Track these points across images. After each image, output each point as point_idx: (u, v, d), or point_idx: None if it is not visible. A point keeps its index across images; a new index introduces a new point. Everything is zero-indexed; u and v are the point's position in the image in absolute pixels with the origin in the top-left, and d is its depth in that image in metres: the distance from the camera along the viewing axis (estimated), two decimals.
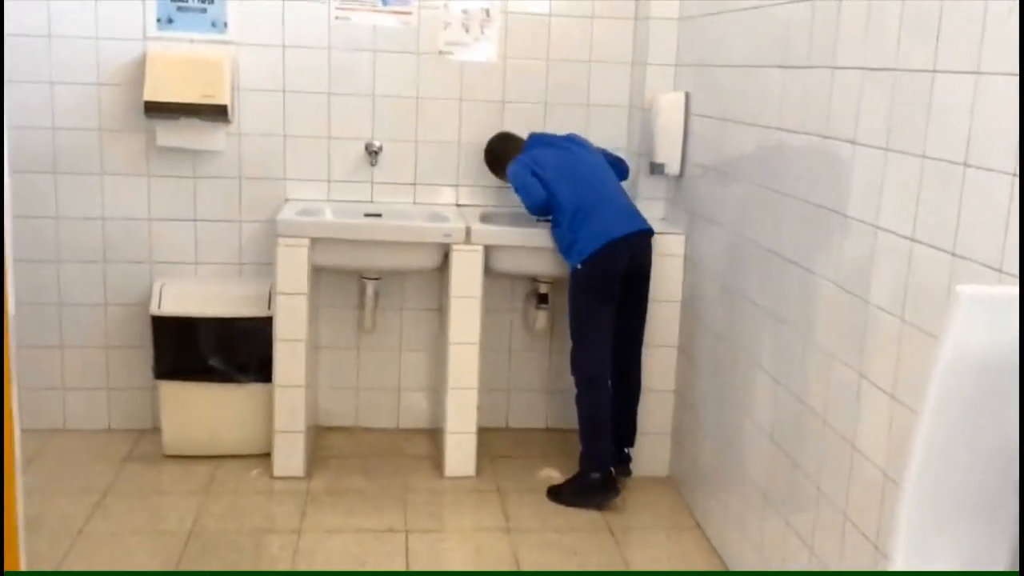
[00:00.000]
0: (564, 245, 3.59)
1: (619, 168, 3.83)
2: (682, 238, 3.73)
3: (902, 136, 2.21)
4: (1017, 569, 1.44)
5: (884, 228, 2.28)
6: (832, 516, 2.49)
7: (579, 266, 3.51)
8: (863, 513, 2.35)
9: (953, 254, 1.99)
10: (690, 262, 3.70)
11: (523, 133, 4.00)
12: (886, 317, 2.25)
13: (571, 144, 3.79)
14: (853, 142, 2.43)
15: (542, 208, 3.64)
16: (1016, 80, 1.80)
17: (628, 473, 3.77)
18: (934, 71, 2.08)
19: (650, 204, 3.94)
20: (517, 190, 3.69)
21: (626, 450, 3.76)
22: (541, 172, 3.62)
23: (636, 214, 3.63)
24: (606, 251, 3.48)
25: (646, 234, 3.60)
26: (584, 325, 3.56)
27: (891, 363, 2.23)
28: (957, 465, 1.46)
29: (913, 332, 2.14)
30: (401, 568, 3.14)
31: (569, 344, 3.63)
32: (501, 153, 3.88)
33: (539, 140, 3.81)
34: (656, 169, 3.81)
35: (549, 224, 3.71)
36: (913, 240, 2.15)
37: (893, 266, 2.23)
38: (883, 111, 2.29)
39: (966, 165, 1.96)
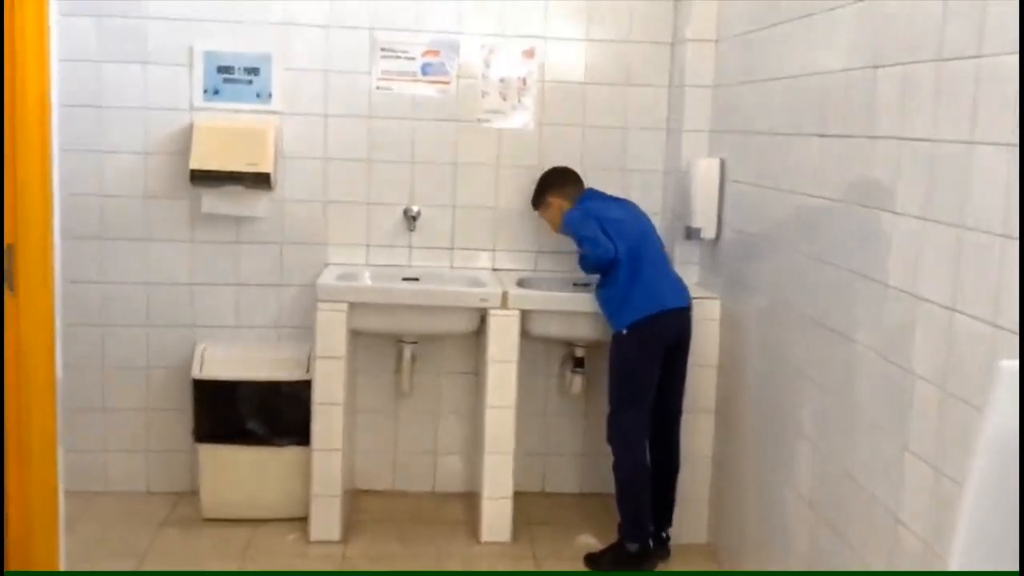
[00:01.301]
0: (614, 304, 3.54)
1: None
2: (718, 303, 3.73)
3: (941, 206, 2.21)
4: (1017, 569, 1.41)
5: (924, 297, 2.27)
6: None
7: (624, 331, 3.50)
8: None
9: (995, 325, 1.98)
10: (726, 327, 3.69)
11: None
12: (928, 387, 2.23)
13: (624, 202, 3.79)
14: (892, 211, 2.43)
15: (607, 264, 3.55)
16: None
17: (667, 555, 3.69)
18: (971, 142, 2.09)
19: (686, 268, 3.95)
20: (582, 240, 3.60)
21: (663, 533, 3.68)
22: (605, 227, 3.56)
23: (685, 289, 3.62)
24: (657, 320, 3.48)
25: (689, 311, 3.60)
26: (626, 391, 3.53)
27: (933, 434, 2.20)
28: (1002, 540, 1.44)
29: (955, 403, 2.12)
30: None
31: (605, 408, 3.62)
32: (560, 181, 3.83)
33: (597, 194, 3.79)
34: (692, 234, 3.83)
35: (590, 283, 3.71)
36: (953, 310, 2.14)
37: (934, 336, 2.22)
38: (921, 180, 2.29)
39: (1005, 236, 1.95)
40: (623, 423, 3.54)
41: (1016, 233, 1.92)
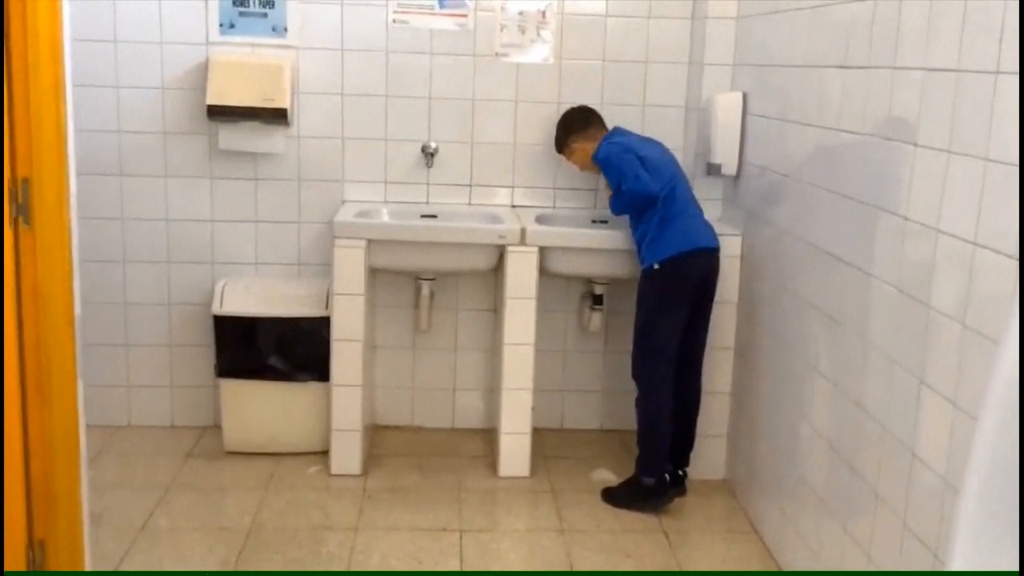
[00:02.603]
0: (645, 240, 3.49)
1: None
2: (739, 239, 3.70)
3: (964, 137, 2.17)
4: (1017, 569, 1.41)
5: (946, 231, 2.24)
6: (890, 522, 2.45)
7: (656, 266, 3.46)
8: (922, 520, 2.31)
9: (1016, 258, 1.95)
10: (747, 263, 3.67)
11: None
12: (947, 322, 2.21)
13: (654, 142, 3.72)
14: (914, 143, 2.39)
15: (647, 201, 3.45)
16: None
17: (683, 493, 3.69)
18: (997, 72, 2.04)
19: (707, 205, 3.90)
20: (623, 176, 3.48)
21: (681, 471, 3.69)
22: (645, 164, 3.47)
23: (713, 230, 3.59)
24: (688, 258, 3.45)
25: (718, 252, 3.57)
26: (653, 328, 3.51)
27: (952, 369, 2.19)
28: (1017, 473, 1.43)
29: (975, 337, 2.10)
30: (456, 567, 3.16)
31: (625, 346, 3.62)
32: (583, 123, 3.76)
33: (626, 132, 3.74)
34: (713, 170, 3.79)
35: (608, 220, 3.68)
36: (976, 244, 2.11)
37: (955, 270, 2.19)
38: (945, 112, 2.25)
39: None
40: (650, 361, 3.52)
41: None
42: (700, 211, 3.62)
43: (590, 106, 3.89)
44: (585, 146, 3.74)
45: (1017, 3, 1.97)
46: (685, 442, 3.69)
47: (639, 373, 3.56)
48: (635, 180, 3.46)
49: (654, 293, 3.51)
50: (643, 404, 3.56)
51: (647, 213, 3.49)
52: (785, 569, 3.18)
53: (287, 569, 3.12)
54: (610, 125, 3.96)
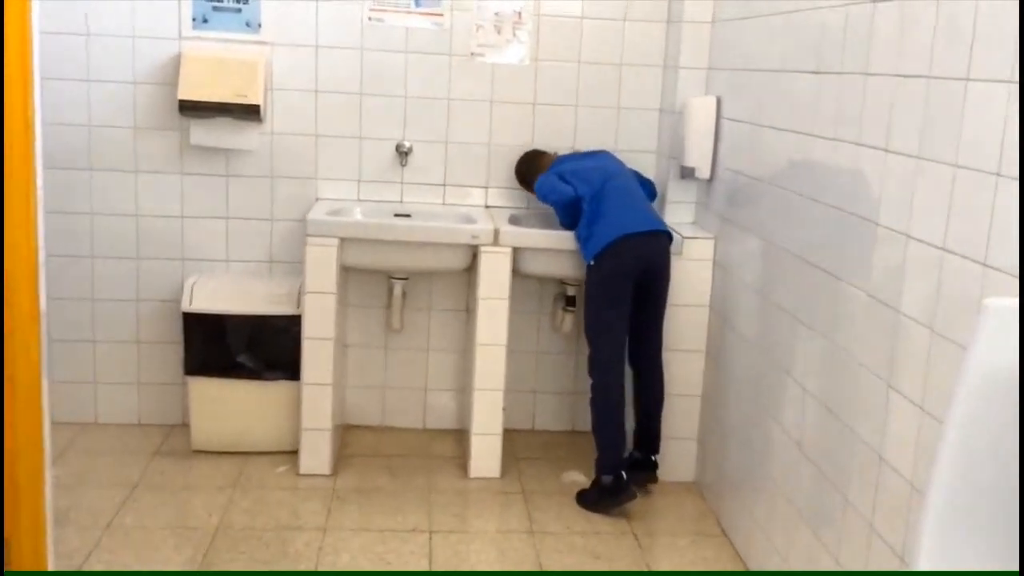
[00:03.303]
0: (581, 241, 3.61)
1: (647, 189, 3.82)
2: (711, 243, 3.71)
3: (935, 144, 2.19)
4: (1017, 569, 1.42)
5: (915, 237, 2.26)
6: (858, 526, 2.47)
7: (592, 262, 3.53)
8: (889, 524, 2.32)
9: (985, 264, 1.97)
10: (719, 267, 3.68)
11: (553, 135, 4.06)
12: (916, 327, 2.23)
13: (598, 153, 3.87)
14: (885, 149, 2.40)
15: (570, 205, 3.63)
16: None
17: (654, 480, 3.75)
18: (967, 79, 2.06)
19: (679, 208, 3.93)
20: (546, 197, 3.72)
21: (652, 457, 3.73)
22: (565, 176, 3.67)
23: (653, 216, 3.65)
24: (617, 247, 3.49)
25: (662, 236, 3.59)
26: (596, 324, 3.57)
27: (920, 374, 2.21)
28: (982, 477, 1.44)
29: (943, 343, 2.12)
30: (425, 568, 3.15)
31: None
32: (533, 168, 3.93)
33: (566, 157, 3.89)
34: (686, 173, 3.80)
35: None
36: (944, 250, 2.13)
37: (924, 276, 2.21)
38: (916, 118, 2.26)
39: (999, 175, 1.93)
40: (599, 356, 3.57)
41: (1011, 172, 1.90)
42: (638, 204, 3.65)
43: (533, 149, 4.02)
44: None
45: (990, 11, 1.99)
46: (652, 433, 3.72)
47: (591, 369, 3.59)
48: (552, 192, 3.68)
49: (595, 288, 3.56)
50: (595, 400, 3.58)
51: (580, 217, 3.61)
52: (753, 570, 3.20)
53: (254, 570, 3.09)
54: (585, 128, 4.00)
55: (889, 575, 2.30)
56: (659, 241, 3.60)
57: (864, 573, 2.43)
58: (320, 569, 3.11)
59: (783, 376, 3.01)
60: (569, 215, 3.67)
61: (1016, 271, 1.87)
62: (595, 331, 3.58)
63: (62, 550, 2.81)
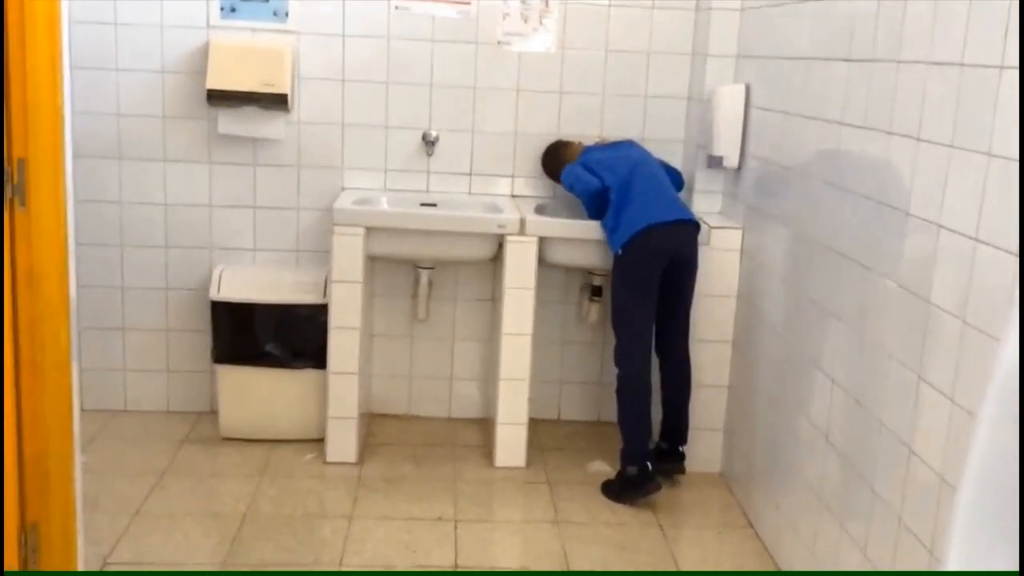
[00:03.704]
0: (608, 231, 3.60)
1: (673, 178, 3.79)
2: (739, 232, 3.68)
3: (968, 133, 2.15)
4: (1017, 569, 1.40)
5: (947, 227, 2.22)
6: (887, 520, 2.45)
7: (619, 251, 3.51)
8: (918, 518, 2.30)
9: (1018, 256, 1.94)
10: (747, 256, 3.65)
11: (580, 124, 4.04)
12: (947, 318, 2.20)
13: (624, 143, 3.85)
14: (917, 138, 2.37)
15: (597, 196, 3.62)
16: None
17: (682, 471, 3.73)
18: (1001, 67, 2.02)
19: (707, 197, 3.90)
20: (572, 187, 3.71)
21: (680, 448, 3.72)
22: (591, 166, 3.66)
23: (680, 205, 3.62)
24: (644, 236, 3.47)
25: (690, 225, 3.57)
26: (622, 314, 3.56)
27: (951, 365, 2.18)
28: (1015, 471, 1.42)
29: (974, 334, 2.09)
30: (450, 557, 3.16)
31: None
32: (559, 158, 3.91)
33: (593, 148, 3.86)
34: (714, 162, 3.77)
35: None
36: (977, 240, 2.09)
37: (956, 266, 2.18)
38: (949, 107, 2.23)
39: None
40: (626, 347, 3.55)
41: None
42: (665, 192, 3.63)
43: (559, 139, 4.00)
44: None
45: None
46: (679, 423, 3.71)
47: (617, 359, 3.57)
48: (578, 182, 3.67)
49: (621, 277, 3.54)
50: (621, 391, 3.56)
51: (607, 207, 3.59)
52: (781, 566, 3.18)
53: (280, 557, 3.11)
54: (613, 117, 3.98)
55: None
56: (687, 230, 3.57)
57: (868, 574, 2.41)
58: (345, 559, 3.12)
59: (811, 367, 2.98)
60: (595, 205, 3.66)
61: None
62: (622, 321, 3.56)
63: (91, 536, 2.84)
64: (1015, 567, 1.41)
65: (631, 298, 3.53)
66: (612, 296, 3.61)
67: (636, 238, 3.47)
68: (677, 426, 3.70)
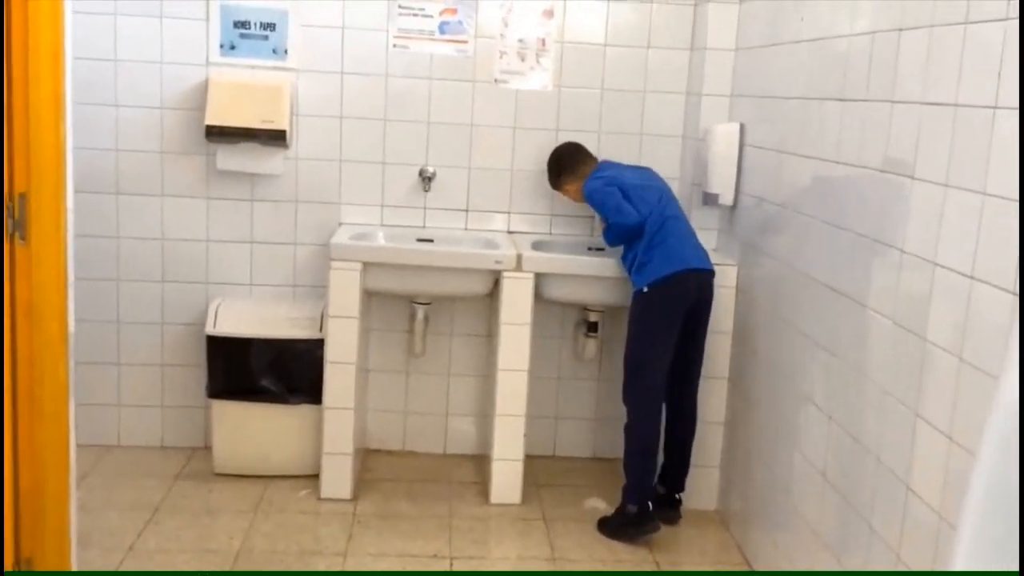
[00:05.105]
0: (635, 265, 3.52)
1: None
2: (734, 269, 3.70)
3: (962, 171, 2.18)
4: (1017, 569, 1.39)
5: (942, 264, 2.24)
6: (885, 557, 2.44)
7: (645, 289, 3.47)
8: (916, 555, 2.29)
9: (1015, 293, 1.95)
10: (742, 293, 3.67)
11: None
12: (943, 355, 2.21)
13: (643, 169, 3.81)
14: (912, 176, 2.39)
15: (633, 231, 3.53)
16: None
17: (677, 519, 3.69)
18: (995, 107, 2.05)
19: (703, 234, 3.91)
20: (606, 210, 3.59)
21: (677, 495, 3.70)
22: (627, 192, 3.55)
23: (706, 252, 3.60)
24: (677, 279, 3.45)
25: (712, 274, 3.57)
26: (643, 352, 3.51)
27: (948, 403, 2.18)
28: (1015, 510, 1.42)
29: (971, 371, 2.10)
30: None
31: (618, 373, 3.61)
32: (573, 165, 3.82)
33: (613, 164, 3.79)
34: (709, 199, 3.80)
35: (605, 248, 3.72)
36: (973, 278, 2.11)
37: (951, 303, 2.19)
38: (943, 145, 2.26)
39: None
40: (640, 386, 3.52)
41: None
42: (691, 234, 3.62)
43: (577, 142, 3.92)
44: (577, 183, 3.78)
45: (1016, 39, 1.99)
46: (680, 467, 3.68)
47: (629, 398, 3.55)
48: (617, 212, 3.54)
49: (644, 316, 3.51)
50: (632, 429, 3.54)
51: (636, 240, 3.52)
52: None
53: None
54: (608, 155, 3.98)
55: (889, 575, 2.27)
56: (710, 278, 3.57)
57: (864, 574, 2.40)
58: None
59: (807, 404, 2.98)
60: (624, 236, 3.57)
61: None
62: (640, 361, 3.51)
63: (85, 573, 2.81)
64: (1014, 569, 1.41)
65: (650, 338, 3.49)
66: (631, 334, 3.54)
67: (667, 280, 3.44)
68: (678, 472, 3.68)
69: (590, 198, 3.68)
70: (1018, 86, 1.97)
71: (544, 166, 3.98)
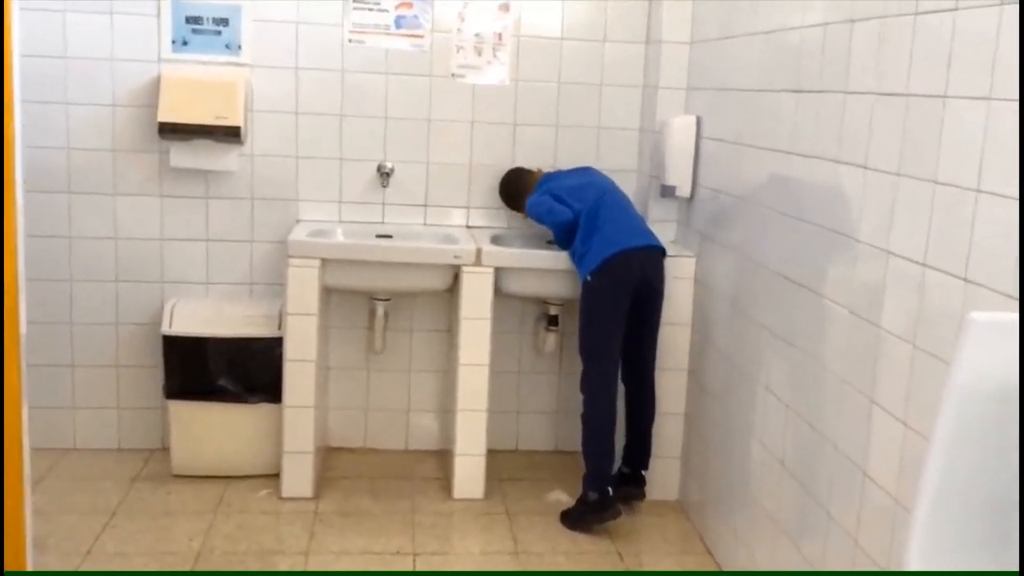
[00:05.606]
0: (576, 258, 3.61)
1: None
2: (692, 260, 3.73)
3: (914, 161, 2.21)
4: (1017, 569, 1.42)
5: (896, 253, 2.27)
6: (842, 542, 2.47)
7: (588, 278, 3.51)
8: (873, 540, 2.33)
9: (965, 280, 1.99)
10: (700, 285, 3.70)
11: (534, 155, 4.07)
12: (898, 343, 2.24)
13: (585, 169, 3.89)
14: (864, 167, 2.43)
15: (570, 226, 3.63)
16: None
17: (641, 496, 3.74)
18: (945, 96, 2.08)
19: (660, 227, 3.93)
20: (541, 217, 3.72)
21: (642, 472, 3.73)
22: (561, 195, 3.67)
23: (647, 231, 3.65)
24: (614, 262, 3.48)
25: (657, 251, 3.60)
26: (591, 339, 3.55)
27: (902, 389, 2.22)
28: (969, 493, 1.45)
29: (925, 358, 2.13)
30: None
31: (578, 367, 3.62)
32: (520, 187, 3.93)
33: (553, 174, 3.89)
34: (667, 192, 3.82)
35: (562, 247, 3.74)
36: (925, 265, 2.15)
37: (905, 291, 2.23)
38: (895, 136, 2.29)
39: (978, 191, 1.95)
40: (594, 374, 3.55)
41: (991, 188, 1.92)
42: (631, 218, 3.67)
43: (517, 167, 4.03)
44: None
45: (967, 29, 2.02)
46: (641, 448, 3.72)
47: (586, 388, 3.58)
48: (550, 214, 3.68)
49: (590, 305, 3.55)
50: (588, 417, 3.57)
51: (575, 233, 3.61)
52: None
53: None
54: (566, 148, 4.01)
55: (883, 575, 2.30)
56: (654, 256, 3.60)
57: (858, 573, 2.44)
58: None
59: (765, 393, 3.02)
60: (566, 235, 3.67)
61: (996, 285, 1.88)
62: (590, 349, 3.56)
63: None
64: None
65: (600, 325, 3.53)
66: (580, 323, 3.59)
67: (605, 264, 3.49)
68: (641, 451, 3.72)
69: (529, 212, 3.81)
70: (970, 75, 2.01)
71: (504, 158, 4.03)
